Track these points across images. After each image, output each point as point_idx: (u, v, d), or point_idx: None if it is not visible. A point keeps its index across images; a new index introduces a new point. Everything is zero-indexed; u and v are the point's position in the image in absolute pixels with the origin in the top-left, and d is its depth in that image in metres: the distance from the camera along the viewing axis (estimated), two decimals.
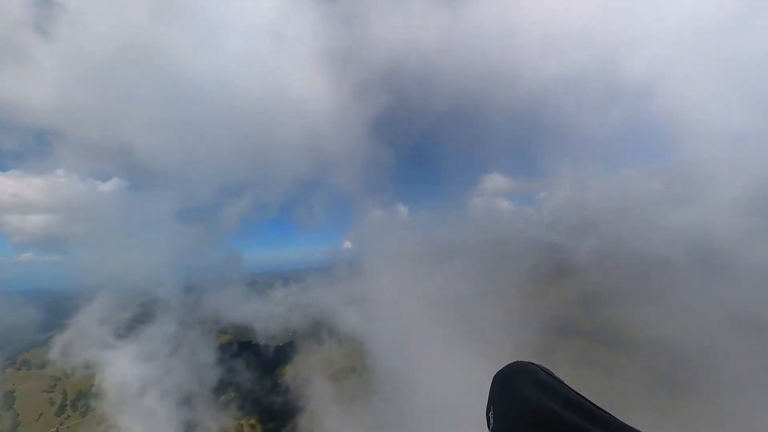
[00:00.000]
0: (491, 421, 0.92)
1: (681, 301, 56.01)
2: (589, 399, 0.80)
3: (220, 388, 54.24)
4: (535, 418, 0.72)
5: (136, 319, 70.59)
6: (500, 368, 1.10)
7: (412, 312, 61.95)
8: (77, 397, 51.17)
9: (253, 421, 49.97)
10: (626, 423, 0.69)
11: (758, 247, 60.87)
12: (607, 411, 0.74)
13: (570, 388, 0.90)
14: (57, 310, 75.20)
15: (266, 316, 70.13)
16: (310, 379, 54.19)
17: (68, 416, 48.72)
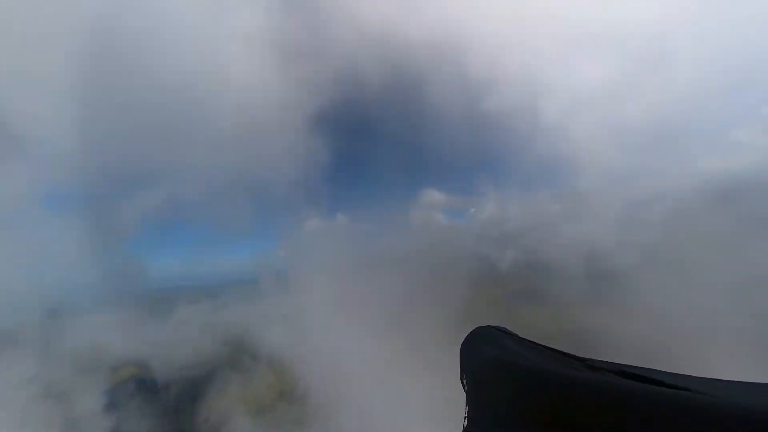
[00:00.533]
0: (465, 385, 1.00)
1: (578, 297, 68.27)
2: (545, 344, 0.90)
3: None
4: (502, 371, 0.78)
5: None
6: (464, 336, 1.22)
7: (348, 328, 58.82)
8: None
9: None
10: (585, 356, 0.75)
11: (628, 253, 78.85)
12: (570, 353, 0.81)
13: (528, 340, 1.01)
14: None
15: (175, 343, 58.61)
16: (231, 415, 46.61)
17: None
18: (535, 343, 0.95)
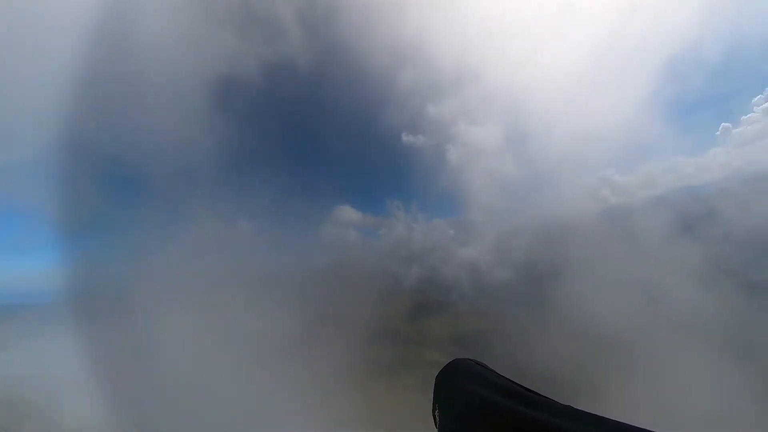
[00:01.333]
0: (437, 419, 1.00)
1: (467, 306, 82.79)
2: (523, 385, 0.90)
3: None
4: (477, 409, 0.78)
5: None
6: (440, 368, 1.19)
7: (226, 366, 43.87)
8: None
9: None
10: (560, 402, 0.77)
11: (505, 271, 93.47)
12: (541, 393, 0.83)
13: (504, 377, 1.00)
14: None
15: None
16: None
17: None
18: (512, 382, 0.93)
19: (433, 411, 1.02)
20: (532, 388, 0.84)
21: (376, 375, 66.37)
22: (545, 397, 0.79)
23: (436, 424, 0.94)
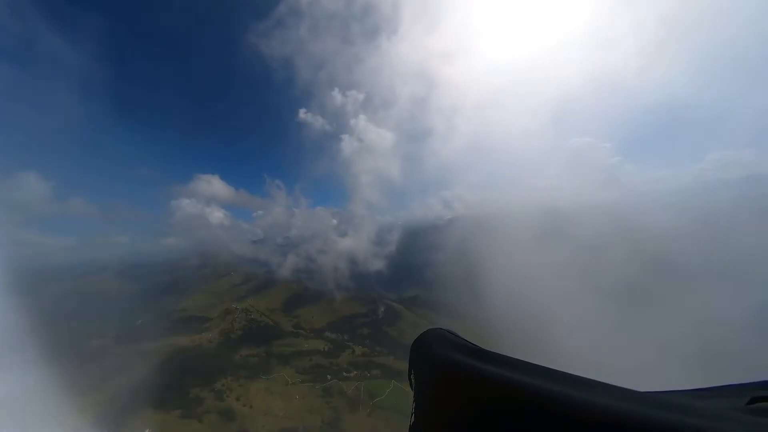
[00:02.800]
0: (413, 383, 1.09)
1: (346, 296, 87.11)
2: (487, 348, 0.99)
3: None
4: (446, 369, 0.87)
5: None
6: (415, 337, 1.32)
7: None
8: None
9: None
10: (527, 360, 0.84)
11: (380, 262, 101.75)
12: (503, 354, 0.92)
13: (470, 342, 1.10)
14: None
15: None
16: None
17: None
18: (476, 345, 1.04)
19: (409, 375, 1.13)
20: (497, 352, 0.93)
21: (251, 375, 60.59)
22: (505, 356, 0.90)
23: (411, 387, 1.05)
